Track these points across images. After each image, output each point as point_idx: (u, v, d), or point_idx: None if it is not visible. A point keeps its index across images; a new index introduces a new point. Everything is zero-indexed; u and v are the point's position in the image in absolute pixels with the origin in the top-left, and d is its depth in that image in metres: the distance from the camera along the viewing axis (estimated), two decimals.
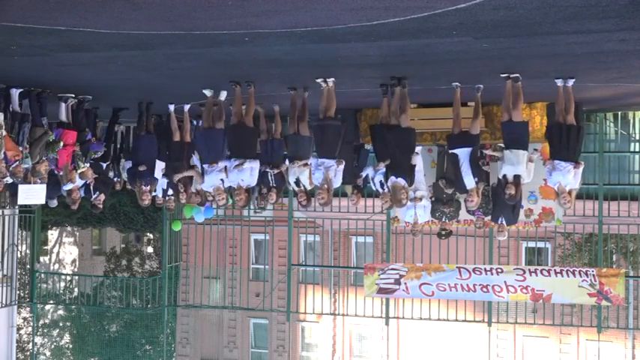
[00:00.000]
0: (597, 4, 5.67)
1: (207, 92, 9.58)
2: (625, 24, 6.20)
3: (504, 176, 8.84)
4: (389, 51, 7.42)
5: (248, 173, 8.97)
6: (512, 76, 8.46)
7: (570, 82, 8.60)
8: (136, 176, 10.78)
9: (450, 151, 9.44)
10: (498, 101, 10.59)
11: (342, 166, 8.97)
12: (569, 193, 8.68)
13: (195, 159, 10.73)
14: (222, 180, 8.99)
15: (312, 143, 9.39)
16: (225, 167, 9.05)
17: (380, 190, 9.34)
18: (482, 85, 9.04)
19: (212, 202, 11.53)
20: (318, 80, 8.76)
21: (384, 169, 9.17)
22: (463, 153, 9.17)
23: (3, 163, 8.60)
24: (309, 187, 9.21)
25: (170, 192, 11.16)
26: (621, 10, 5.80)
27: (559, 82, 8.62)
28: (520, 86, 8.55)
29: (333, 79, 8.72)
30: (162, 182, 11.05)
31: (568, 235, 20.02)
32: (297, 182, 9.12)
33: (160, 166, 10.76)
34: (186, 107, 10.77)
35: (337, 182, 9.07)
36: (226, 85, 9.21)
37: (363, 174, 9.78)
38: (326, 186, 8.84)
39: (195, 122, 11.32)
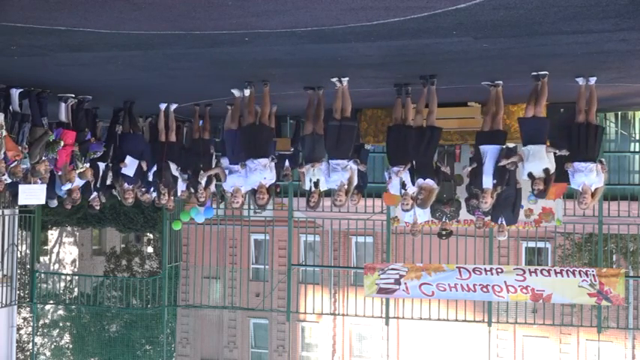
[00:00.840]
0: (597, 4, 5.67)
1: (236, 92, 9.54)
2: (625, 24, 6.20)
3: (530, 174, 8.73)
4: (389, 51, 7.42)
5: (269, 170, 8.93)
6: (540, 73, 8.40)
7: (592, 81, 8.57)
8: (118, 174, 10.70)
9: (477, 147, 9.34)
10: (511, 100, 10.57)
11: (360, 167, 8.94)
12: (594, 192, 8.60)
13: (173, 167, 10.70)
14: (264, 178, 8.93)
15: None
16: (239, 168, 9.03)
17: (402, 190, 9.25)
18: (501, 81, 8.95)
19: (213, 202, 11.48)
20: (334, 80, 8.74)
21: (408, 171, 9.07)
22: (491, 151, 9.07)
23: (3, 163, 8.60)
24: (323, 189, 9.17)
25: (182, 189, 11.11)
26: (621, 10, 5.80)
27: (580, 81, 8.58)
28: (545, 82, 8.47)
29: (347, 78, 8.70)
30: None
31: (568, 235, 20.01)
32: (317, 183, 9.05)
33: (133, 163, 10.66)
34: (172, 107, 10.74)
35: (355, 182, 9.03)
36: (227, 86, 9.21)
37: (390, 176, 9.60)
38: (346, 187, 8.77)
39: (200, 122, 11.29)
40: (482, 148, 9.15)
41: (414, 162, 9.10)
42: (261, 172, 8.85)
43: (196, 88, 9.80)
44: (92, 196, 10.83)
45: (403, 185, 9.15)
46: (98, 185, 10.75)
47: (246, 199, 9.91)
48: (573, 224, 15.29)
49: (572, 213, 13.55)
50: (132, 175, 10.62)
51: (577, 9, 5.80)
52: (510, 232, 11.59)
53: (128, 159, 10.53)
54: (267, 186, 8.92)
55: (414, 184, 9.09)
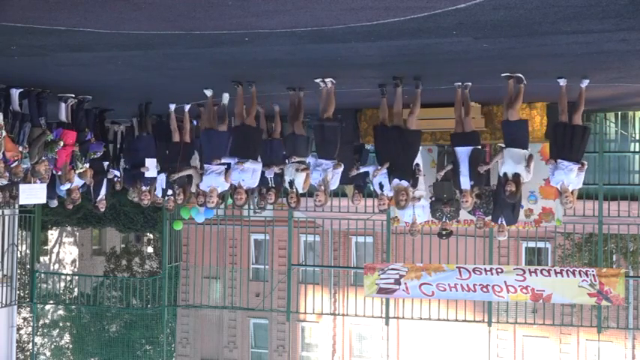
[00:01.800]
0: (597, 4, 5.68)
1: (208, 92, 9.59)
2: (625, 24, 6.20)
3: (504, 174, 8.84)
4: (389, 51, 7.43)
5: (250, 174, 9.00)
6: (514, 75, 8.45)
7: (585, 83, 8.61)
8: (136, 177, 10.73)
9: (453, 149, 9.41)
10: (498, 101, 10.61)
11: (340, 169, 8.99)
12: (572, 192, 8.67)
13: (196, 160, 10.73)
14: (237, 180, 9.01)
15: (310, 143, 9.39)
16: (228, 166, 9.10)
17: (379, 191, 9.33)
18: (470, 83, 9.06)
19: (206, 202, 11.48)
20: (317, 80, 8.76)
21: (386, 171, 9.15)
22: (463, 152, 9.16)
23: (2, 163, 8.60)
24: (301, 191, 9.26)
25: (170, 192, 11.15)
26: (621, 10, 5.80)
27: (561, 82, 8.62)
28: (522, 87, 8.56)
29: (331, 79, 8.73)
30: (161, 182, 11.03)
31: (568, 235, 20.00)
32: (291, 183, 9.15)
33: (152, 164, 10.68)
34: (187, 107, 10.77)
35: (334, 184, 9.11)
36: (228, 86, 9.22)
37: (362, 169, 9.74)
38: (323, 187, 8.88)
39: (195, 122, 11.32)
40: (457, 149, 9.22)
41: (389, 163, 9.14)
42: (240, 174, 8.94)
43: (196, 88, 9.79)
44: (99, 198, 10.85)
45: (381, 187, 9.22)
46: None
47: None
48: (573, 224, 15.28)
49: (572, 213, 13.53)
50: (156, 176, 10.66)
51: (577, 9, 5.80)
52: (510, 232, 11.58)
53: (148, 162, 10.56)
54: (244, 188, 9.01)
55: (390, 184, 9.16)
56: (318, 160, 9.04)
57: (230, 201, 12.36)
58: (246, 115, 9.30)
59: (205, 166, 9.43)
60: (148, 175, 10.57)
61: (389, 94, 9.29)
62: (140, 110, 10.88)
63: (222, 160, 9.13)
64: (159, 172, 10.80)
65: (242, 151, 9.07)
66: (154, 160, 10.67)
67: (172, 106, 10.65)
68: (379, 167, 9.13)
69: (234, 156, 9.08)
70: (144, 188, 10.72)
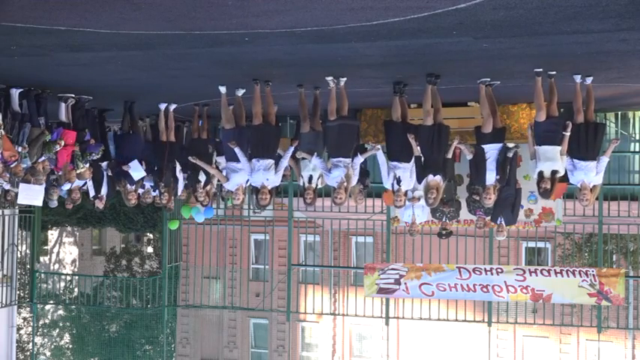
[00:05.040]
0: (597, 4, 5.68)
1: (222, 89, 9.53)
2: (625, 24, 6.20)
3: (540, 173, 8.69)
4: (389, 51, 7.43)
5: (273, 172, 8.96)
6: (550, 73, 8.37)
7: (588, 80, 8.56)
8: (120, 176, 10.64)
9: (480, 146, 9.28)
10: (511, 100, 10.56)
11: (362, 158, 8.98)
12: (592, 189, 8.59)
13: (177, 168, 10.69)
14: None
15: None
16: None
17: (396, 186, 9.21)
18: (498, 82, 8.97)
19: (213, 202, 11.45)
20: (328, 79, 8.73)
21: (409, 166, 9.08)
22: (494, 148, 9.04)
23: (0, 163, 8.60)
24: (320, 186, 9.19)
25: (155, 192, 11.09)
26: (621, 10, 5.81)
27: (577, 78, 8.56)
28: (553, 82, 8.47)
29: (345, 79, 8.71)
30: (148, 182, 10.98)
31: (568, 235, 20.01)
32: (310, 179, 9.09)
33: (136, 164, 10.58)
34: (172, 107, 10.73)
35: (354, 181, 9.04)
36: (239, 83, 9.21)
37: (389, 176, 9.56)
38: (345, 184, 8.79)
39: (200, 122, 11.28)
40: (486, 147, 9.12)
41: (422, 159, 9.06)
42: (264, 173, 8.90)
43: (196, 88, 9.80)
44: (99, 195, 10.85)
45: (398, 181, 9.12)
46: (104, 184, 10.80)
47: (246, 199, 9.89)
48: (573, 224, 15.28)
49: (572, 213, 13.53)
50: (145, 175, 10.63)
51: (577, 9, 5.81)
52: (510, 232, 11.58)
53: (132, 163, 10.54)
54: (268, 187, 8.96)
55: (420, 181, 9.08)
56: (334, 159, 8.92)
57: (230, 201, 12.38)
58: (267, 115, 9.24)
59: (230, 165, 9.37)
60: (132, 173, 10.52)
61: (411, 93, 9.20)
62: (125, 108, 10.82)
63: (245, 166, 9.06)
64: (155, 173, 10.77)
65: (263, 151, 9.02)
66: (136, 160, 10.61)
67: (162, 106, 10.63)
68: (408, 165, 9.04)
69: (255, 156, 9.03)
70: (129, 187, 10.67)
